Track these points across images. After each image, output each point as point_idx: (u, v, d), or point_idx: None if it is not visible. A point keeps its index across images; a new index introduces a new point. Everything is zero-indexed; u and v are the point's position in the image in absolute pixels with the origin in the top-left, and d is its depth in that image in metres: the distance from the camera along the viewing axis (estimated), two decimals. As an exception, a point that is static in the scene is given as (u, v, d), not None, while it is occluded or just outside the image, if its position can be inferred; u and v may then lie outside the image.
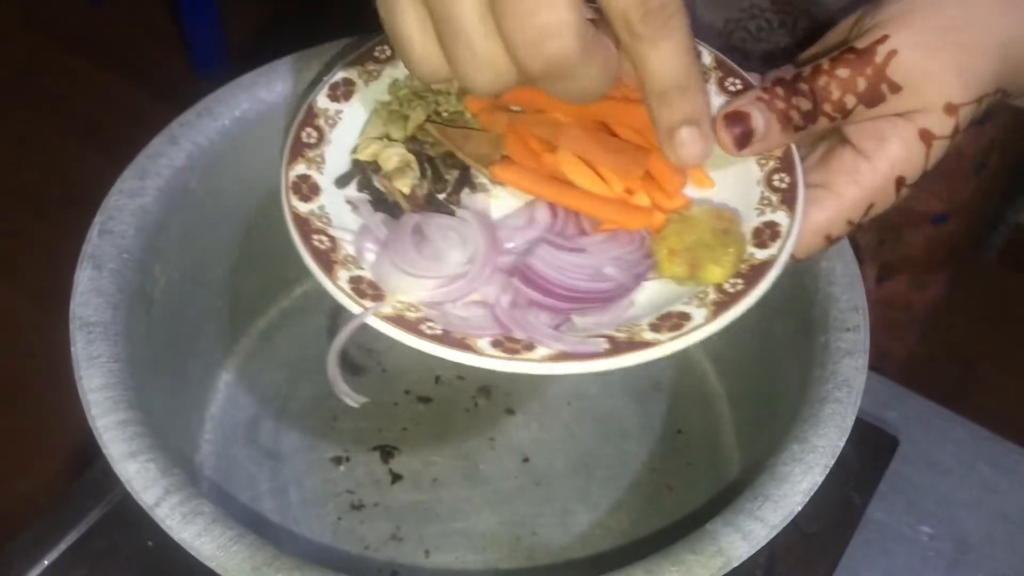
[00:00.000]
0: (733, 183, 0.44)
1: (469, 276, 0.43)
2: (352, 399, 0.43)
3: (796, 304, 0.53)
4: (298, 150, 0.47)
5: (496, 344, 0.41)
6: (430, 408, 0.64)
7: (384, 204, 0.47)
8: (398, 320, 0.41)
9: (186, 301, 0.58)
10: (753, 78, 0.47)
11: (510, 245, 0.45)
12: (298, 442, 0.62)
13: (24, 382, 1.45)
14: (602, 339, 0.41)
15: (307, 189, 0.46)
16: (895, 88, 0.42)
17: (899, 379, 0.71)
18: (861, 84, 0.42)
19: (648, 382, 0.65)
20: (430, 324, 0.41)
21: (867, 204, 0.44)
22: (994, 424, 0.69)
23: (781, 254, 0.42)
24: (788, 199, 0.43)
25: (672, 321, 0.41)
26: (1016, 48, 0.43)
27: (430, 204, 0.47)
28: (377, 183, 0.47)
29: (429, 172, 0.47)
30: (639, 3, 0.36)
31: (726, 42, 0.65)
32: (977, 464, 0.68)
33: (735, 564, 0.42)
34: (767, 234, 0.43)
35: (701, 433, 0.63)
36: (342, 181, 0.47)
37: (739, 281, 0.42)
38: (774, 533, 0.43)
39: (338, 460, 0.62)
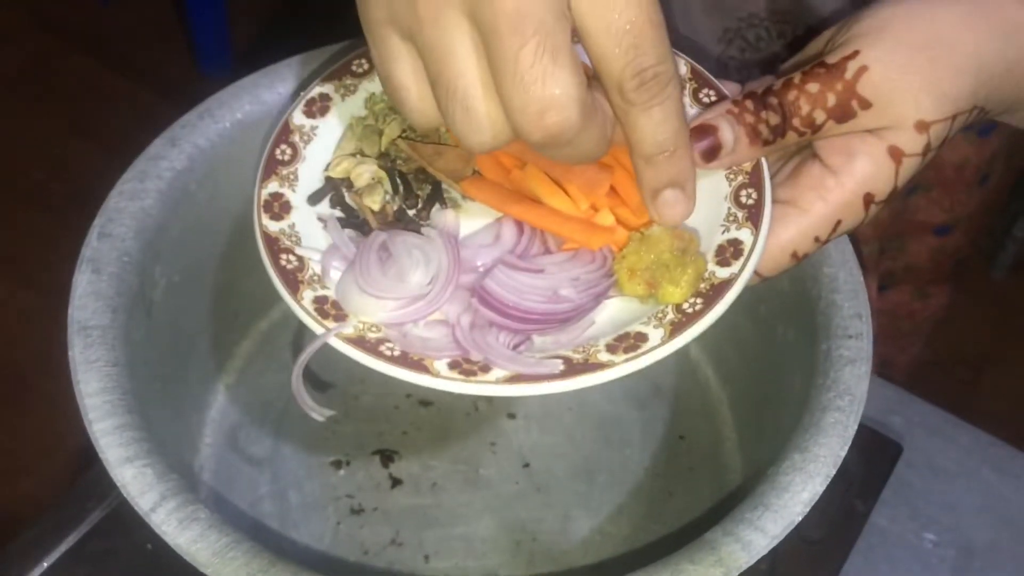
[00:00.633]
0: (702, 198, 0.44)
1: (430, 297, 0.43)
2: (318, 413, 0.44)
3: (799, 311, 0.52)
4: (271, 168, 0.47)
5: (453, 365, 0.41)
6: (431, 412, 0.64)
7: (354, 221, 0.47)
8: (358, 341, 0.42)
9: (186, 304, 0.58)
10: (730, 89, 0.47)
11: (478, 263, 0.45)
12: (298, 446, 0.62)
13: (28, 381, 1.46)
14: (558, 360, 0.41)
15: (279, 207, 0.46)
16: (865, 104, 0.41)
17: (904, 386, 0.70)
18: (831, 99, 0.42)
19: (650, 387, 0.65)
20: (389, 345, 0.42)
21: (834, 221, 0.43)
22: (1000, 430, 0.69)
23: (742, 273, 0.42)
24: (753, 216, 0.43)
25: (629, 342, 0.41)
26: (990, 66, 0.42)
27: (400, 220, 0.47)
28: (349, 199, 0.47)
29: (401, 188, 0.47)
30: (635, 73, 0.36)
31: (724, 51, 0.65)
32: (982, 470, 0.68)
33: (735, 575, 0.42)
34: (730, 252, 0.43)
35: (703, 439, 0.63)
36: (315, 198, 0.47)
37: (698, 301, 0.41)
38: (774, 543, 0.43)
39: (338, 464, 0.61)
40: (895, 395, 0.70)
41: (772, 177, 0.45)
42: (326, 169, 0.48)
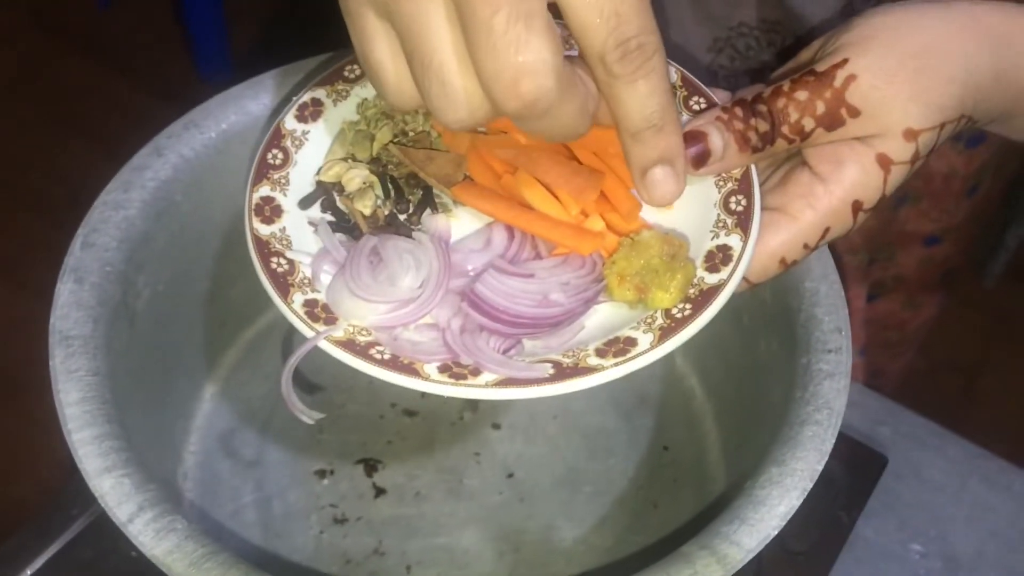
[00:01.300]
0: (691, 205, 0.44)
1: (420, 300, 0.43)
2: (307, 416, 0.44)
3: (780, 323, 0.52)
4: (263, 172, 0.47)
5: (443, 369, 0.41)
6: (415, 422, 0.64)
7: (345, 225, 0.47)
8: (348, 344, 0.42)
9: (170, 314, 0.58)
10: (721, 96, 0.47)
11: (469, 267, 0.45)
12: (282, 454, 0.62)
13: (22, 383, 1.46)
14: (548, 364, 0.41)
15: (269, 211, 0.46)
16: (854, 112, 0.42)
17: (894, 395, 0.70)
18: (820, 107, 0.42)
19: (635, 398, 0.65)
20: (379, 348, 0.42)
21: (823, 228, 0.43)
22: (994, 436, 0.69)
23: (731, 279, 0.42)
24: (742, 222, 0.43)
25: (618, 346, 0.41)
26: (978, 76, 0.42)
27: (391, 225, 0.47)
28: (340, 204, 0.47)
29: (392, 193, 0.47)
30: (617, 44, 0.35)
31: (714, 60, 0.65)
32: (969, 481, 0.68)
33: (710, 588, 0.42)
34: (719, 258, 0.43)
35: (687, 450, 0.63)
36: (306, 202, 0.47)
37: (687, 306, 0.42)
38: (750, 557, 0.43)
39: (322, 473, 0.61)
40: (883, 406, 0.70)
41: (761, 184, 0.45)
42: (317, 173, 0.48)
